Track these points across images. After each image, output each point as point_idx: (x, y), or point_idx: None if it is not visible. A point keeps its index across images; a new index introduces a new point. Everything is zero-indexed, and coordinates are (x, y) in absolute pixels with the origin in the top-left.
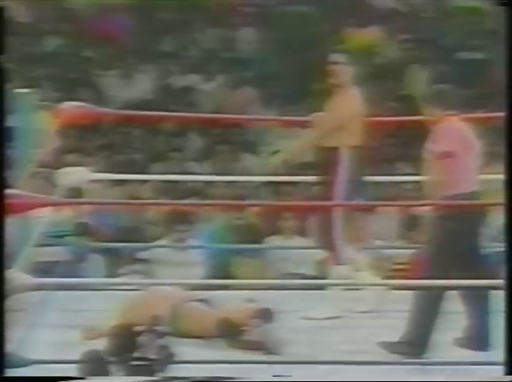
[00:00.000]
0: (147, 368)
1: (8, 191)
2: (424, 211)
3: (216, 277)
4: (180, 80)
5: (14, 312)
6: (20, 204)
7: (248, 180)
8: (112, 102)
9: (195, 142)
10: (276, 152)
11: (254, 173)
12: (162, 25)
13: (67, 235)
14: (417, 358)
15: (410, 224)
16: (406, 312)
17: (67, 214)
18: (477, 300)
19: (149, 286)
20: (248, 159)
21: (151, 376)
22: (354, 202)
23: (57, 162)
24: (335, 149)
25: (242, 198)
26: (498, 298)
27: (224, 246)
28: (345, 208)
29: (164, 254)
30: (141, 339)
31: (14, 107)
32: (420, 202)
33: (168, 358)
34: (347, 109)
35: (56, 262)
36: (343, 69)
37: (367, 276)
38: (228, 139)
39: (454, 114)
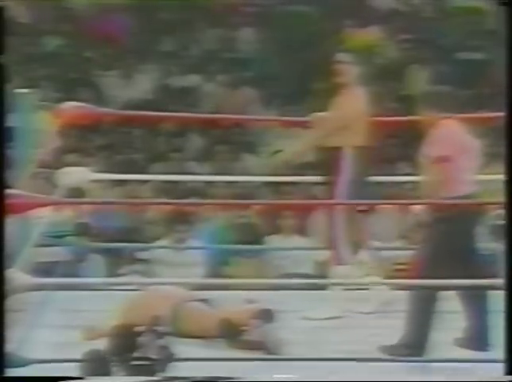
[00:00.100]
0: (147, 368)
1: (8, 191)
2: (424, 211)
3: (216, 277)
4: (181, 80)
5: (14, 312)
6: (20, 204)
7: (248, 180)
8: (112, 102)
9: (196, 142)
10: (276, 152)
11: (254, 173)
12: (162, 25)
13: (67, 235)
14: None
15: (410, 224)
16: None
17: (67, 214)
18: (476, 300)
19: (149, 286)
20: (248, 159)
21: (151, 376)
22: (355, 201)
23: (57, 162)
24: (338, 148)
25: (243, 198)
26: (497, 298)
27: (224, 246)
28: (346, 207)
29: (165, 254)
30: (141, 339)
31: (14, 107)
32: (421, 201)
33: (169, 358)
34: (352, 108)
35: (56, 262)
36: (348, 68)
37: (368, 276)
38: (228, 139)
39: (453, 115)
